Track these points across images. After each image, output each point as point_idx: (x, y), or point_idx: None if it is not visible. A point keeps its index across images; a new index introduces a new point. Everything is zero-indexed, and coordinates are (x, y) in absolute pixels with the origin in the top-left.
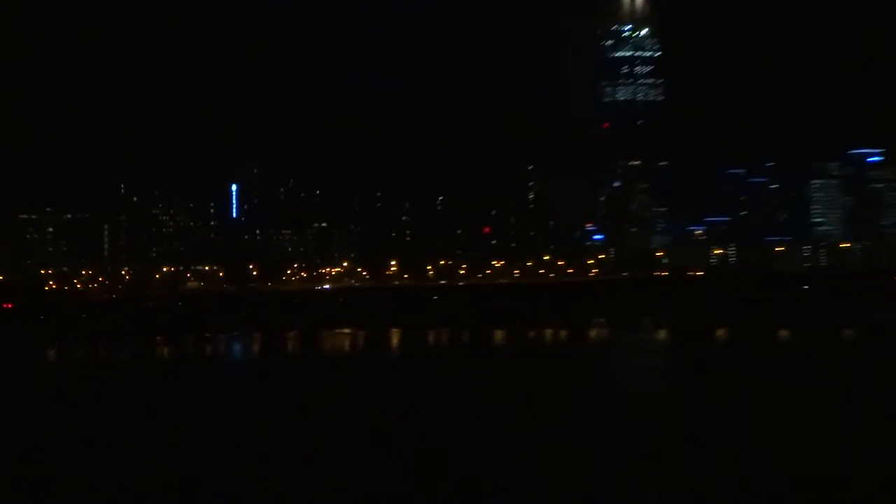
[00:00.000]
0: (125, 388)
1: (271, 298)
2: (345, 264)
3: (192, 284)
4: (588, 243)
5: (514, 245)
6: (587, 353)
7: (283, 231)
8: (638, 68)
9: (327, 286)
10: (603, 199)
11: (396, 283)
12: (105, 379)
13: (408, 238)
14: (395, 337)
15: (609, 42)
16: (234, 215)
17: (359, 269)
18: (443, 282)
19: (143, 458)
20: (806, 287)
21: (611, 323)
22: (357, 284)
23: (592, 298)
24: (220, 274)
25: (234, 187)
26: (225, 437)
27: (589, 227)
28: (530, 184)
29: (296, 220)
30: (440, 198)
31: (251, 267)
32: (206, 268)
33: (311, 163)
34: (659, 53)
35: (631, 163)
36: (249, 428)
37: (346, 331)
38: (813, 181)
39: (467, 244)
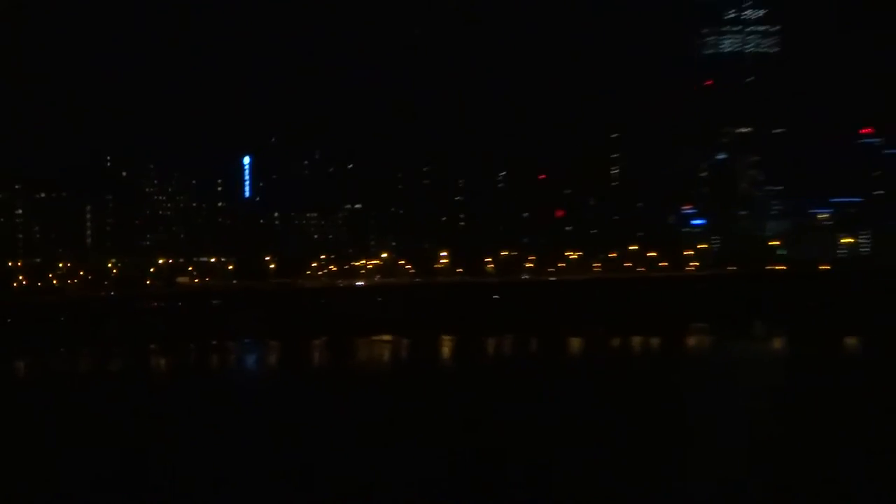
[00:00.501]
0: (110, 411)
1: (292, 298)
2: (384, 256)
3: (183, 279)
4: (685, 230)
5: (593, 232)
6: (693, 367)
7: (308, 215)
8: (747, 12)
9: (362, 283)
10: (704, 175)
11: (448, 278)
12: (86, 399)
13: (462, 223)
14: (447, 346)
15: None
16: (247, 195)
17: (401, 262)
18: (525, 277)
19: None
20: None
21: (715, 329)
22: (399, 280)
23: (691, 298)
24: (230, 267)
25: (246, 160)
26: (238, 480)
27: (686, 209)
28: (614, 156)
29: (323, 202)
30: (502, 173)
31: (267, 259)
32: (212, 260)
33: (341, 131)
34: None
35: (739, 130)
36: (268, 467)
37: (386, 338)
38: None
39: (535, 231)
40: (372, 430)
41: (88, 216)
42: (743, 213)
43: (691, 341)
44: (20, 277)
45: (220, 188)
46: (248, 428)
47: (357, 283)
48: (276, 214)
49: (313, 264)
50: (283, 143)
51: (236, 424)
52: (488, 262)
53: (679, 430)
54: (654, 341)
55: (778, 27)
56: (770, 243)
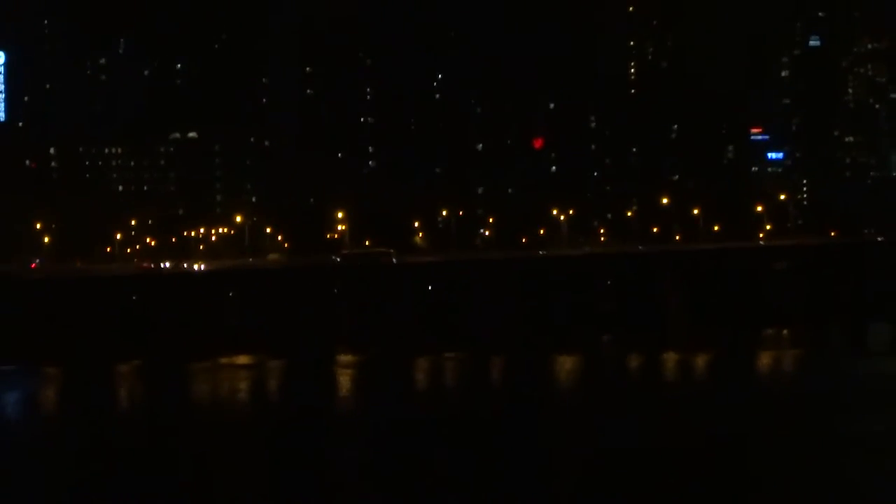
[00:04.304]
0: None
1: (84, 292)
2: (238, 220)
3: None
4: (754, 170)
5: (596, 175)
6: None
7: (109, 150)
8: None
9: (201, 266)
10: (785, 74)
11: (345, 253)
12: None
13: (371, 163)
14: (346, 375)
15: None
16: (1, 117)
17: (268, 230)
18: (479, 253)
19: None
20: None
21: (800, 341)
22: (265, 262)
23: (761, 287)
24: None
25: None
26: None
27: (756, 134)
28: (624, 43)
29: (136, 126)
30: (439, 76)
31: (39, 227)
32: None
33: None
34: None
35: None
36: None
37: (243, 361)
38: None
39: (498, 174)
40: None
41: None
42: (851, 139)
43: (765, 357)
44: None
45: None
46: None
47: (194, 267)
48: (52, 150)
49: (118, 236)
50: (62, 29)
51: None
52: (417, 230)
53: None
54: (703, 358)
55: None
56: None
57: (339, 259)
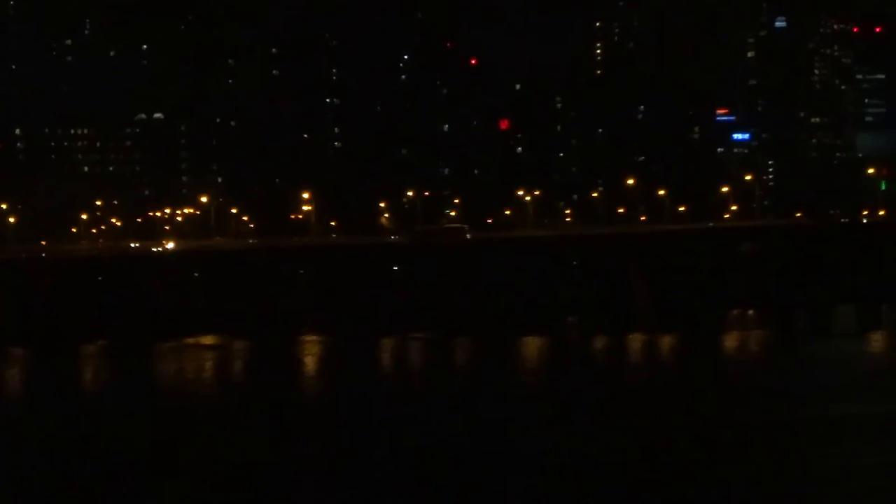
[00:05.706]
0: None
1: (48, 273)
2: (203, 200)
3: None
4: (720, 150)
5: (561, 156)
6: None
7: (74, 130)
8: None
9: (166, 246)
10: (751, 55)
11: (313, 239)
12: None
13: (337, 144)
14: (311, 354)
15: None
16: None
17: (233, 210)
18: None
19: None
20: None
21: (763, 319)
22: (230, 243)
23: (726, 269)
24: None
25: None
26: None
27: (721, 115)
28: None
29: (100, 109)
30: (405, 56)
31: (4, 207)
32: None
33: None
34: None
35: None
36: None
37: (208, 342)
38: None
39: (463, 156)
40: None
41: None
42: (816, 119)
43: (728, 345)
44: None
45: None
46: None
47: (158, 248)
48: (17, 131)
49: (83, 216)
50: (28, 11)
51: None
52: (382, 211)
53: None
54: (663, 343)
55: None
56: (867, 172)
57: (395, 237)
